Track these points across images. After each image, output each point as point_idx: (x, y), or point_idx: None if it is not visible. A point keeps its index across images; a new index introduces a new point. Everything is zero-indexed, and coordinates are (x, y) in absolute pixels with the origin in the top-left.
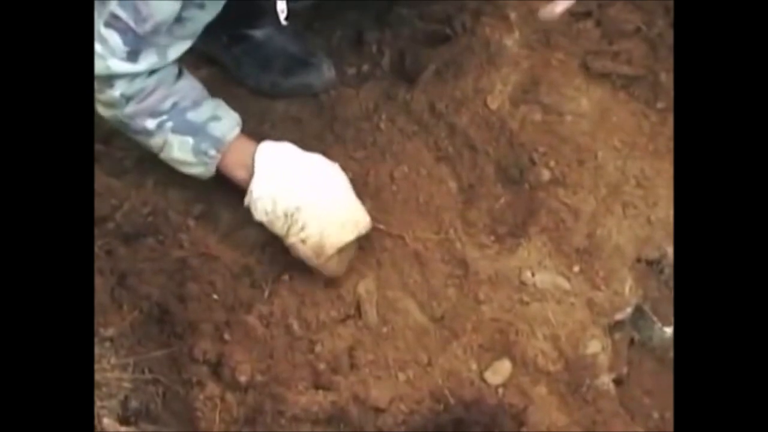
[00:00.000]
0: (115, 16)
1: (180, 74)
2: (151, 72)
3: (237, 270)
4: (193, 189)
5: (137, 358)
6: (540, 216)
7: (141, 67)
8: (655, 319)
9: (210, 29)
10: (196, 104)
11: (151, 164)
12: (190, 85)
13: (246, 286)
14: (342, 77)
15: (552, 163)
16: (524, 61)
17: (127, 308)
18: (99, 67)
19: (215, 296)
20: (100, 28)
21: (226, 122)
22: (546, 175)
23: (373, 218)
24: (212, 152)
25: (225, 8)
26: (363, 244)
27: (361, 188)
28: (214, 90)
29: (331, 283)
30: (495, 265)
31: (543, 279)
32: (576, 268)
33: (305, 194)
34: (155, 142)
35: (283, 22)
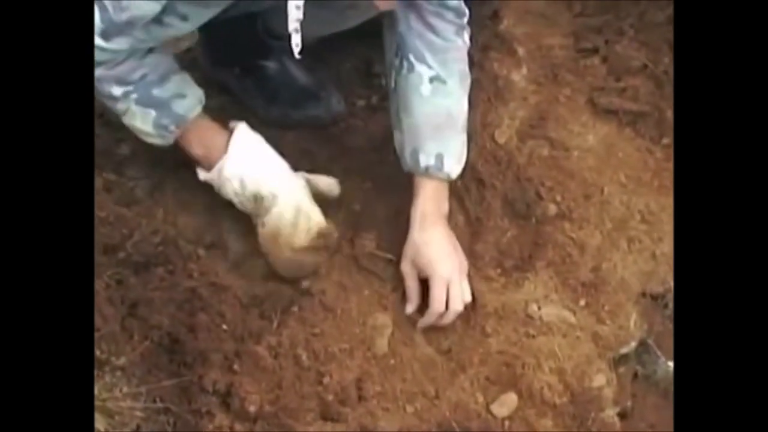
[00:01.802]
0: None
1: (152, 48)
2: None
3: (246, 300)
4: (204, 218)
5: (149, 387)
6: (546, 250)
7: (112, 46)
8: (659, 353)
9: (222, 59)
10: (163, 79)
11: (162, 194)
12: (160, 59)
13: (255, 317)
14: (351, 109)
15: (558, 198)
16: (532, 97)
17: (137, 338)
18: None
19: (225, 326)
20: None
21: (190, 100)
22: (552, 209)
23: (382, 249)
24: (172, 127)
25: (236, 38)
26: (371, 275)
27: (369, 220)
28: (224, 120)
29: (340, 314)
30: (501, 299)
31: (549, 312)
32: (582, 302)
33: (271, 185)
34: (119, 107)
35: (297, 56)
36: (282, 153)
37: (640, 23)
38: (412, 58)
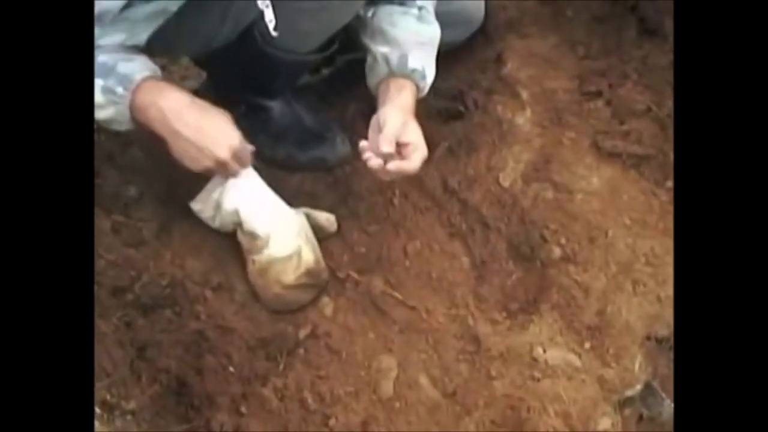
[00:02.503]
0: None
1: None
2: None
3: (253, 342)
4: (211, 260)
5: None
6: (551, 293)
7: None
8: (664, 395)
9: (228, 98)
10: (113, 50)
11: (169, 235)
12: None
13: (261, 359)
14: (356, 151)
15: (563, 241)
16: (536, 140)
17: (146, 381)
18: None
19: (231, 369)
20: None
21: (138, 63)
22: (557, 252)
23: (387, 293)
24: (119, 90)
25: (240, 65)
26: (376, 317)
27: (375, 262)
28: None
29: (346, 357)
30: (507, 341)
31: (554, 355)
32: (587, 345)
33: (268, 227)
34: None
35: (273, 33)
36: (287, 195)
37: (644, 67)
38: None
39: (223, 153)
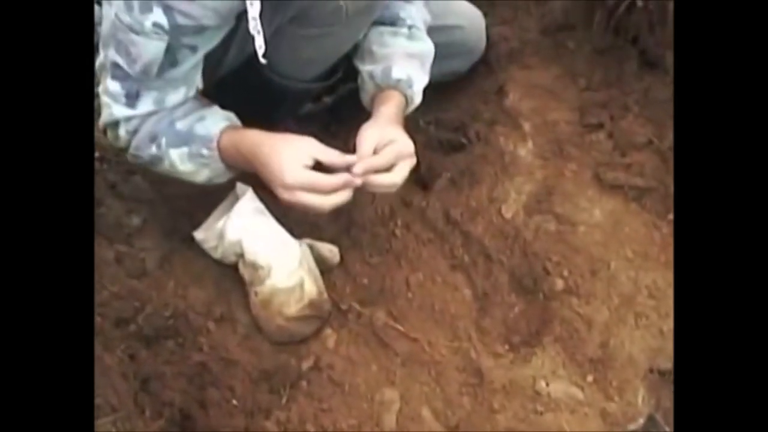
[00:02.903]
0: (115, 64)
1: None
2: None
3: (256, 375)
4: (213, 290)
5: None
6: (553, 325)
7: (139, 111)
8: (667, 429)
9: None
10: (185, 113)
11: (171, 264)
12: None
13: (264, 392)
14: None
15: (565, 273)
16: (538, 172)
17: (150, 414)
18: (105, 115)
19: (235, 402)
20: (107, 82)
21: (210, 119)
22: (559, 284)
23: (389, 324)
24: (205, 152)
25: (243, 101)
26: (379, 349)
27: (377, 294)
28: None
29: (348, 390)
30: (509, 374)
31: (557, 389)
32: (589, 378)
33: (269, 258)
34: (164, 166)
35: (262, 60)
36: (290, 226)
37: (645, 99)
38: (390, 18)
39: (281, 191)
